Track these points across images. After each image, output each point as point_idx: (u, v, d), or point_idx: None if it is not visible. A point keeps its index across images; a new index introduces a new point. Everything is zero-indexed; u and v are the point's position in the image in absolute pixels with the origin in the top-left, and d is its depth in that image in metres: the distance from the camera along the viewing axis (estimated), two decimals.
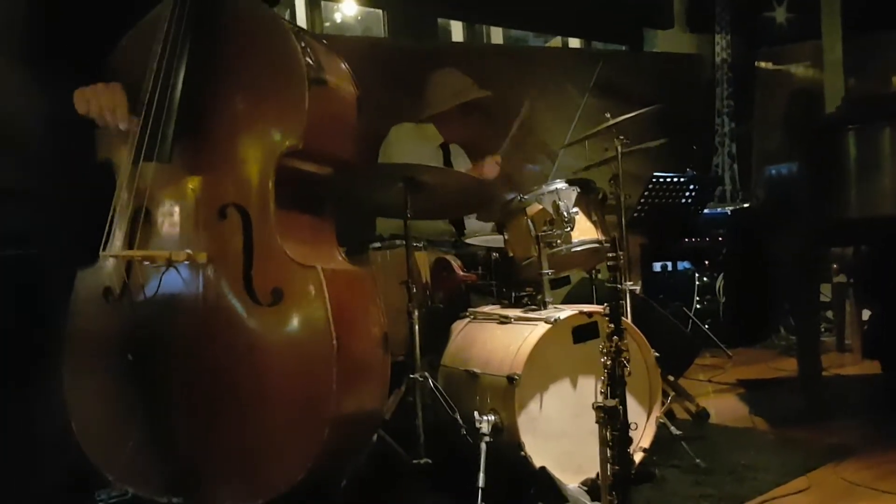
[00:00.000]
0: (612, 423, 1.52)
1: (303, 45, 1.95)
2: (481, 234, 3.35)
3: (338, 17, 5.28)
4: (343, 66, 2.15)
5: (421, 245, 2.93)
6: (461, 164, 3.73)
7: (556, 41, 6.00)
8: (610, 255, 1.71)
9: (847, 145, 3.04)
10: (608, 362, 1.59)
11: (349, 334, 1.86)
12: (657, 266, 5.19)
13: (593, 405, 1.60)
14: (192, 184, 1.94)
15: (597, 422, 1.57)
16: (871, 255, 3.95)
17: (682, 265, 5.17)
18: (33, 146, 2.24)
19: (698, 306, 5.08)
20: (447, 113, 3.59)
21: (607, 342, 1.62)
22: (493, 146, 3.66)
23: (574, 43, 5.90)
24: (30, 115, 2.20)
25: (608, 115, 2.97)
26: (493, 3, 5.01)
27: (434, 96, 3.63)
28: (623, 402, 1.56)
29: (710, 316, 5.03)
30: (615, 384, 1.55)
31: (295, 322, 1.85)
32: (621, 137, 2.83)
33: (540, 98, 5.01)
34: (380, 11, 4.74)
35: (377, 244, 2.92)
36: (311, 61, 1.94)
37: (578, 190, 2.69)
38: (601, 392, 1.61)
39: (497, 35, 5.76)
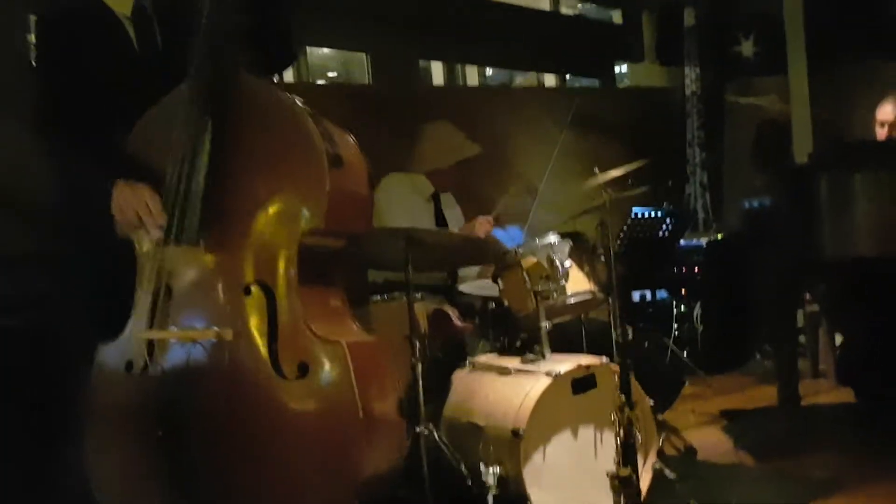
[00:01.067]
0: (626, 490, 1.63)
1: (320, 128, 2.04)
2: (472, 279, 3.45)
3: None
4: (352, 140, 2.23)
5: (419, 296, 3.03)
6: (452, 213, 3.81)
7: (532, 77, 6.17)
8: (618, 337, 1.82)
9: (820, 189, 3.21)
10: (621, 432, 1.71)
11: (373, 404, 1.94)
12: (636, 295, 5.35)
13: (607, 473, 1.71)
14: (216, 262, 2.01)
15: (611, 489, 1.68)
16: (843, 285, 4.14)
17: (661, 294, 5.33)
18: (52, 214, 2.32)
19: (676, 334, 5.24)
20: (443, 171, 3.67)
21: (619, 413, 1.73)
22: (481, 191, 3.78)
23: (549, 79, 6.07)
24: (50, 185, 2.28)
25: (596, 170, 3.11)
26: (471, 44, 5.16)
27: (429, 152, 3.67)
28: (636, 470, 1.67)
29: (688, 344, 5.19)
30: (628, 452, 1.66)
31: (321, 395, 1.92)
32: (609, 190, 2.96)
33: (521, 134, 5.18)
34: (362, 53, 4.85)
35: (377, 297, 3.02)
36: (328, 144, 2.03)
37: (571, 243, 2.82)
38: (614, 460, 1.72)
39: (472, 71, 5.91)
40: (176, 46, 2.24)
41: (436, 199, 3.77)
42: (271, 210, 2.00)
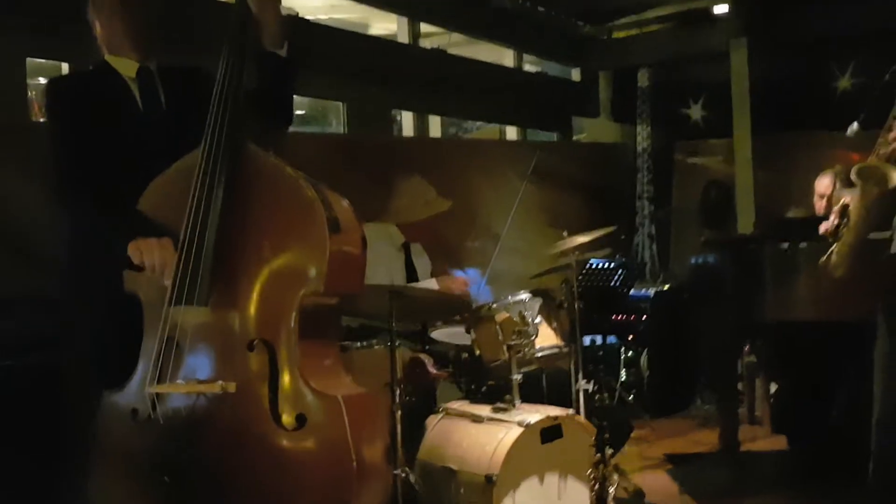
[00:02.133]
0: None
1: (320, 196, 2.22)
2: (443, 327, 3.65)
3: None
4: (346, 204, 2.40)
5: (397, 344, 3.21)
6: (420, 261, 4.01)
7: (494, 128, 6.47)
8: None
9: (762, 259, 3.54)
10: (596, 487, 1.92)
11: (364, 453, 2.11)
12: (587, 340, 5.63)
13: None
14: (222, 320, 2.14)
15: None
16: (778, 342, 4.48)
17: (610, 339, 5.62)
18: (62, 263, 2.43)
19: (623, 378, 5.53)
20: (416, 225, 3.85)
21: (595, 469, 1.95)
22: (447, 239, 3.99)
23: (511, 131, 6.38)
24: (60, 235, 2.40)
25: (565, 234, 3.36)
26: (440, 97, 5.42)
27: (404, 207, 3.82)
28: None
29: (635, 388, 5.47)
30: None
31: (318, 444, 2.08)
32: (577, 252, 3.21)
33: (485, 184, 5.45)
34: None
35: (357, 343, 3.19)
36: (328, 211, 2.21)
37: (541, 300, 3.06)
38: None
39: (434, 121, 6.15)
40: (179, 106, 2.42)
41: (406, 248, 3.97)
42: (276, 273, 2.15)
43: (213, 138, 2.19)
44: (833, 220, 2.38)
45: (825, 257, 2.40)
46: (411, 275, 3.83)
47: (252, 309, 2.15)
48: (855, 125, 2.43)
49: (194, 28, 3.25)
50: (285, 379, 2.12)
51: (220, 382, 2.08)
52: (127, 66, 2.39)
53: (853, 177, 2.23)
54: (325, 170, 2.41)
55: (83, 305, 2.35)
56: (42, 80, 3.96)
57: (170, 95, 2.42)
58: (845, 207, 2.33)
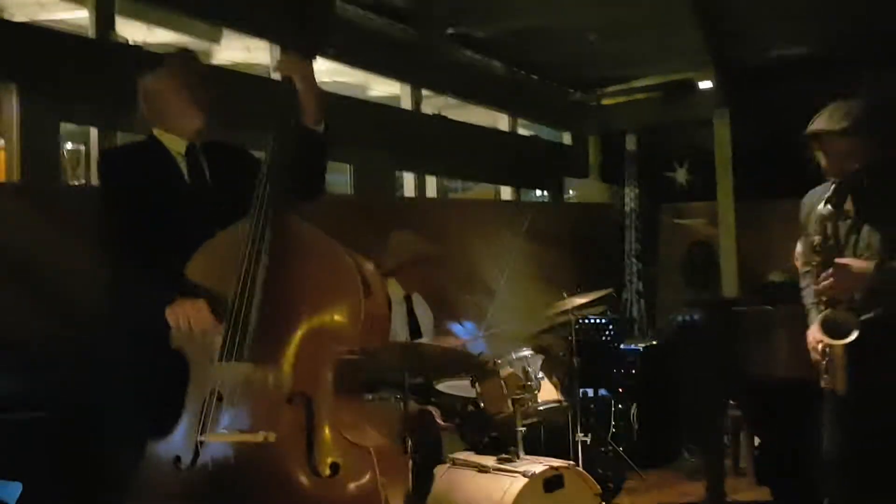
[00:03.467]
0: None
1: (355, 262, 2.45)
2: (448, 380, 3.87)
3: None
4: (372, 266, 2.63)
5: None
6: (423, 312, 4.25)
7: (489, 188, 6.78)
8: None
9: (744, 320, 3.79)
10: None
11: (391, 499, 2.32)
12: (579, 393, 5.84)
13: None
14: (263, 375, 2.33)
15: None
16: (761, 398, 4.71)
17: (602, 392, 5.83)
18: (110, 317, 2.63)
19: (614, 430, 5.73)
20: (404, 267, 4.10)
21: None
22: (446, 294, 4.23)
23: (506, 192, 6.68)
24: (100, 291, 2.60)
25: (566, 294, 3.61)
26: (439, 159, 5.72)
27: (392, 253, 4.14)
28: None
29: (625, 440, 5.67)
30: None
31: (350, 492, 2.26)
32: (575, 311, 3.46)
33: (481, 242, 5.71)
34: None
35: (369, 396, 3.39)
36: (361, 276, 2.44)
37: (543, 357, 3.29)
38: None
39: (431, 180, 6.43)
40: (221, 180, 2.65)
41: (408, 301, 4.21)
42: (314, 333, 2.34)
43: (261, 209, 2.38)
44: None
45: (825, 384, 2.69)
46: (414, 327, 4.05)
47: (291, 365, 2.33)
48: (829, 207, 2.71)
49: (239, 104, 3.48)
50: (321, 430, 2.29)
51: (261, 432, 2.27)
52: (176, 143, 2.60)
53: (817, 325, 2.60)
54: (333, 228, 2.60)
55: (130, 361, 2.54)
56: (70, 146, 4.20)
57: (213, 170, 2.63)
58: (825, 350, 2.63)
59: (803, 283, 2.96)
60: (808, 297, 2.88)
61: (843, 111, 2.72)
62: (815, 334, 2.71)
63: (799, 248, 3.01)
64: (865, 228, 2.74)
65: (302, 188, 2.55)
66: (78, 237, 3.13)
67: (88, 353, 2.85)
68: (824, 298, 2.66)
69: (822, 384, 2.74)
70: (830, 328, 2.60)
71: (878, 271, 2.64)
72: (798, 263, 3.02)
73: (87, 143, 4.20)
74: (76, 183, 4.13)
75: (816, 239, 2.71)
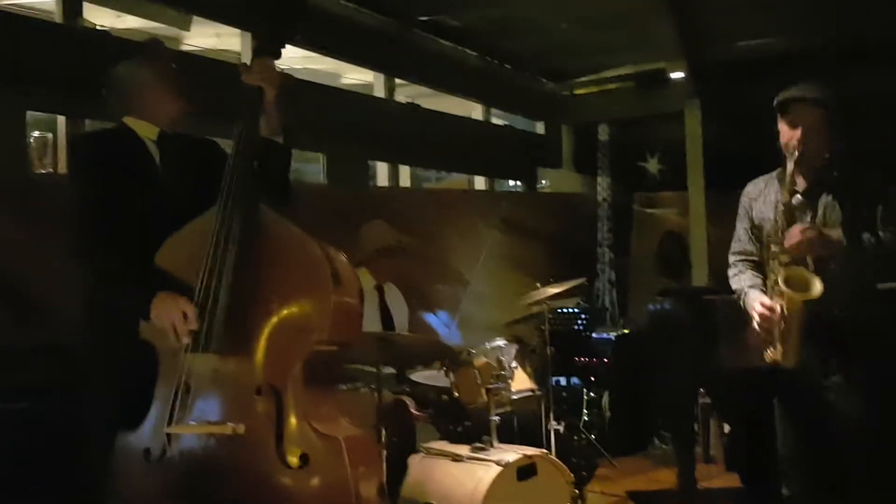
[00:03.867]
0: None
1: (324, 252, 2.43)
2: (421, 370, 3.87)
3: None
4: (344, 258, 2.62)
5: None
6: (397, 302, 4.23)
7: (462, 178, 6.78)
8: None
9: (715, 311, 3.82)
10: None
11: (362, 490, 2.31)
12: (552, 381, 5.88)
13: None
14: (233, 366, 2.31)
15: None
16: (731, 387, 4.77)
17: (574, 381, 5.88)
18: (76, 309, 2.59)
19: (586, 419, 5.78)
20: (376, 257, 4.06)
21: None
22: (419, 284, 4.23)
23: (479, 181, 6.68)
24: (70, 283, 2.56)
25: (539, 285, 3.63)
26: (412, 148, 5.71)
27: (363, 244, 4.10)
28: None
29: (596, 428, 5.72)
30: None
31: (320, 482, 2.25)
32: (548, 301, 3.48)
33: (454, 231, 5.72)
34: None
35: (343, 387, 3.38)
36: (331, 267, 2.42)
37: (517, 346, 3.31)
38: None
39: (404, 169, 6.42)
40: (191, 169, 2.61)
41: (379, 291, 4.19)
42: (284, 324, 2.33)
43: (228, 200, 2.37)
44: (777, 326, 2.67)
45: (771, 357, 2.71)
46: (386, 318, 4.03)
47: (261, 356, 2.32)
48: (799, 196, 2.74)
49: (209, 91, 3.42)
50: (291, 421, 2.29)
51: (230, 424, 2.26)
52: (148, 130, 2.58)
53: (782, 285, 2.56)
54: (306, 219, 2.59)
55: (100, 352, 2.50)
56: (37, 134, 4.12)
57: (184, 158, 2.60)
58: (782, 314, 2.63)
59: (734, 272, 2.98)
60: (743, 281, 2.90)
61: (815, 85, 2.78)
62: (763, 300, 2.70)
63: (741, 234, 3.01)
64: (822, 206, 2.76)
65: (266, 198, 2.49)
66: (46, 226, 3.07)
67: (59, 345, 2.80)
68: (786, 260, 2.65)
69: (767, 357, 2.73)
70: (795, 283, 2.59)
71: (847, 240, 2.65)
72: (734, 252, 3.02)
73: (54, 132, 4.13)
74: (43, 172, 4.05)
75: (782, 206, 2.70)
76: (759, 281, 2.89)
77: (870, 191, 2.79)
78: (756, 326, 2.76)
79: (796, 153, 2.69)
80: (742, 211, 3.02)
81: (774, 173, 2.91)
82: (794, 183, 2.71)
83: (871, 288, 2.95)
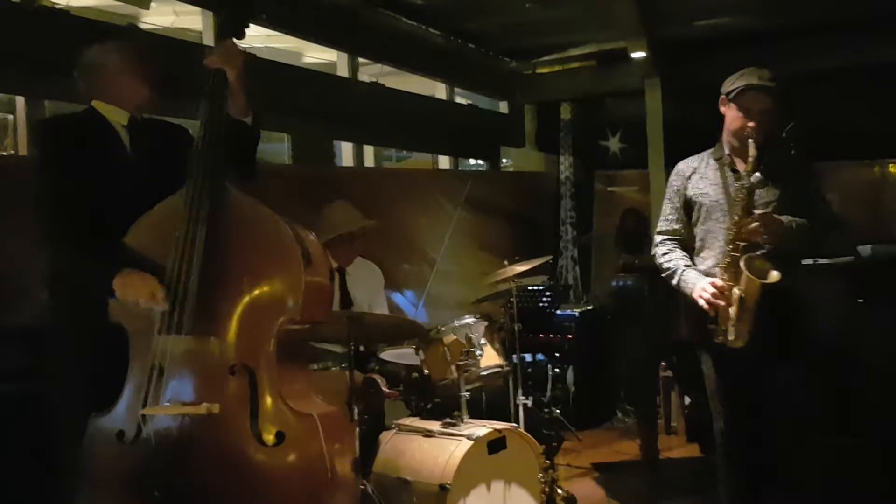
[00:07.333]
0: None
1: (294, 232, 2.45)
2: (391, 349, 3.90)
3: None
4: (313, 237, 2.64)
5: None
6: (372, 274, 4.19)
7: (426, 158, 6.78)
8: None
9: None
10: (546, 489, 2.21)
11: (337, 465, 2.35)
12: (515, 358, 5.97)
13: None
14: (205, 347, 2.33)
15: None
16: (690, 361, 4.91)
17: (539, 357, 5.98)
18: (48, 295, 2.58)
19: (551, 393, 5.89)
20: (337, 241, 4.00)
21: (544, 473, 2.24)
22: (385, 263, 4.25)
23: (443, 160, 6.70)
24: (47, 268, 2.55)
25: (506, 263, 3.68)
26: (376, 128, 5.71)
27: (325, 226, 4.08)
28: None
29: (561, 403, 5.83)
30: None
31: (296, 459, 2.29)
32: (515, 279, 3.53)
33: (419, 211, 5.75)
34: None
35: (314, 365, 3.41)
36: (301, 246, 2.44)
37: (486, 323, 3.36)
38: None
39: (368, 149, 6.40)
40: (160, 152, 2.61)
41: (341, 273, 4.14)
42: (255, 304, 2.35)
43: (196, 181, 2.39)
44: (732, 309, 2.74)
45: (721, 337, 2.79)
46: (345, 299, 3.98)
47: (233, 336, 2.35)
48: (758, 174, 2.82)
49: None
50: (265, 400, 2.32)
51: (204, 404, 2.28)
52: (117, 114, 2.58)
53: (742, 265, 2.64)
54: (270, 199, 2.59)
55: (68, 334, 2.50)
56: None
57: (153, 142, 2.61)
58: (739, 298, 2.70)
59: (663, 250, 3.04)
60: (676, 260, 2.98)
61: (767, 72, 2.86)
62: (716, 282, 2.77)
63: (668, 213, 3.08)
64: (768, 187, 2.85)
65: (232, 173, 2.52)
66: (6, 208, 3.03)
67: (25, 328, 2.77)
68: (741, 245, 2.73)
69: (718, 339, 2.82)
70: (755, 270, 2.67)
71: (793, 222, 2.76)
72: (661, 231, 3.09)
73: (13, 113, 4.05)
74: (3, 153, 3.97)
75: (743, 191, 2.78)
76: (689, 261, 2.97)
77: (809, 169, 2.91)
78: (705, 306, 2.82)
79: (754, 138, 2.77)
80: (672, 190, 3.07)
81: (707, 153, 2.99)
82: (755, 166, 2.78)
83: (798, 264, 3.06)
